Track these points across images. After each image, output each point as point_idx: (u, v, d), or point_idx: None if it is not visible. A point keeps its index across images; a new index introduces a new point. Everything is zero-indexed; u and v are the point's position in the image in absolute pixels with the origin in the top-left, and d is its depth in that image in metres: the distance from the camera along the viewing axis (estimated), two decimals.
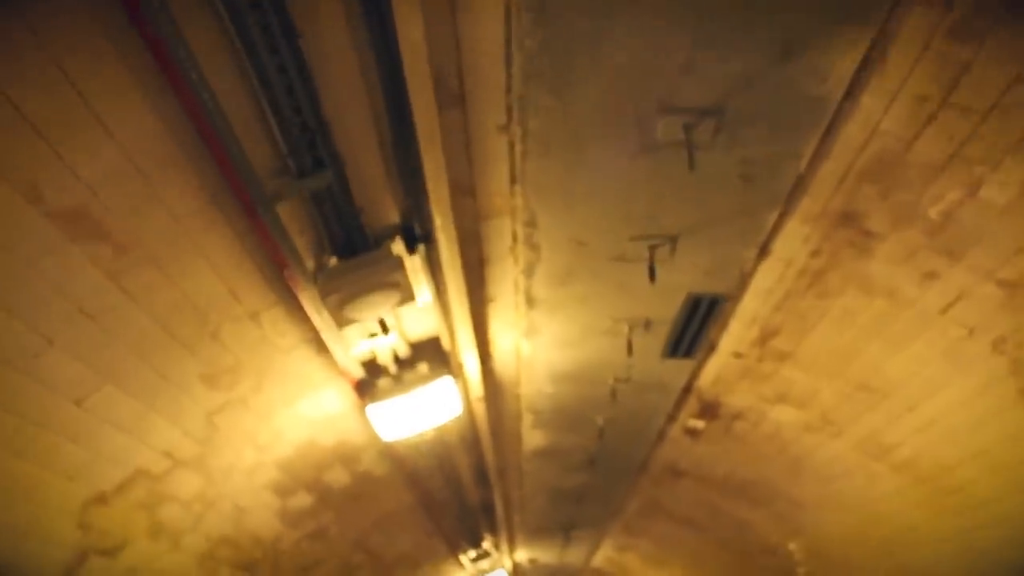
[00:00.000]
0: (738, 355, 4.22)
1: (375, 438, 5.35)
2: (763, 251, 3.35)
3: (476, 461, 6.68)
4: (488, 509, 8.60)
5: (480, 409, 4.88)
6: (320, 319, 3.28)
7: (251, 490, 4.77)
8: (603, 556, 11.31)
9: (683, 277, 3.51)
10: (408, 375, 4.05)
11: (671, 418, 5.31)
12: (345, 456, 5.42)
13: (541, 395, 4.88)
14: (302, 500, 5.55)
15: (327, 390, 4.30)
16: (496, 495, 7.51)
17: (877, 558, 5.37)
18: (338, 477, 5.70)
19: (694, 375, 4.59)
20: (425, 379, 4.00)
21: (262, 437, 4.31)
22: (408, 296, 3.18)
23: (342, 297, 3.04)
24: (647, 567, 10.68)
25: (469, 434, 5.75)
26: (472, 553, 10.17)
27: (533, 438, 5.73)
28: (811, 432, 4.61)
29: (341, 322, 3.24)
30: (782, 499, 5.75)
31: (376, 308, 3.16)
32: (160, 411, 3.47)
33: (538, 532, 9.79)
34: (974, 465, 3.92)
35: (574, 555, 11.43)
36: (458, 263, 3.30)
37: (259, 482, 4.78)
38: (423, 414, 4.17)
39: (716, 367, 4.44)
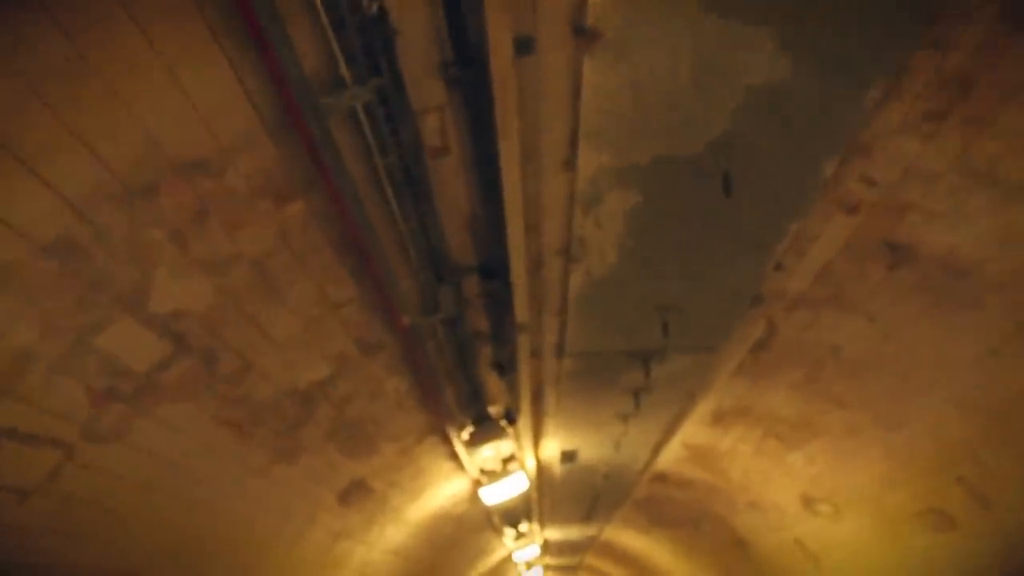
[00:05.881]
0: None
1: None
2: None
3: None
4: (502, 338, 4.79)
5: None
6: None
7: None
8: (679, 444, 7.49)
9: None
10: None
11: None
12: None
13: None
14: None
15: None
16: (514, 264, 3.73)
17: None
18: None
19: None
20: None
21: None
22: None
23: None
24: (757, 456, 6.81)
25: None
26: (470, 429, 6.22)
27: None
28: None
29: None
30: None
31: None
32: None
33: (585, 380, 6.01)
34: None
35: (633, 445, 7.65)
36: None
37: None
38: None
39: None
